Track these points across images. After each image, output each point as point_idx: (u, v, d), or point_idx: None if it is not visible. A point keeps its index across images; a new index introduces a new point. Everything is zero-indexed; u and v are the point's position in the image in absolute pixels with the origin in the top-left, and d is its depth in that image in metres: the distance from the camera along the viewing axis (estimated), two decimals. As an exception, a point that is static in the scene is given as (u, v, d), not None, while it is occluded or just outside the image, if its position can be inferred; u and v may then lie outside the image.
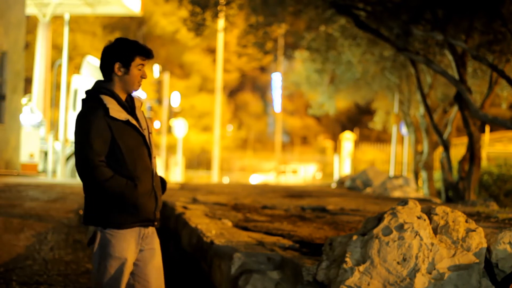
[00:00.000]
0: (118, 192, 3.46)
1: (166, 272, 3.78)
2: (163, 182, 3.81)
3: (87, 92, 3.63)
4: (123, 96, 3.64)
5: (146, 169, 3.59)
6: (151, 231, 3.72)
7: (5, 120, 17.33)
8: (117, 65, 3.57)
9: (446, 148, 13.87)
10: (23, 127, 19.08)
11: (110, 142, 3.48)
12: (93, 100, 3.55)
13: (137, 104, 3.72)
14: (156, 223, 3.69)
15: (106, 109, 3.48)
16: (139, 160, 3.55)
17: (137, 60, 3.60)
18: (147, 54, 3.61)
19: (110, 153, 3.50)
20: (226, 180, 38.17)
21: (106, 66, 3.61)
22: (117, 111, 3.51)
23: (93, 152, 3.43)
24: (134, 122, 3.57)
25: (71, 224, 8.94)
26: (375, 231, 4.24)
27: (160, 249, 3.79)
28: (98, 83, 3.65)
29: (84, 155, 3.45)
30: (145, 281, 3.66)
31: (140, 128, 3.60)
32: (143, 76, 3.64)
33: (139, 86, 3.66)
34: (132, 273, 3.64)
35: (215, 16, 13.74)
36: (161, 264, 3.78)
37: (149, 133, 3.70)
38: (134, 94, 3.74)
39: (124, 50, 3.58)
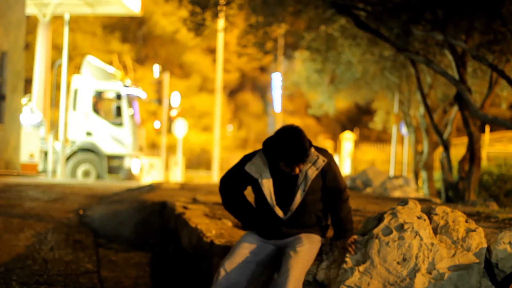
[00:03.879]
0: (232, 211, 4.65)
1: (166, 272, 3.77)
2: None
3: (264, 143, 4.37)
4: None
5: (264, 207, 4.41)
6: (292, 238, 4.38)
7: (5, 120, 17.32)
8: (282, 163, 4.23)
9: (446, 148, 13.86)
10: (23, 127, 19.07)
11: (246, 179, 4.41)
12: (262, 149, 4.39)
13: (314, 157, 4.30)
14: (271, 237, 4.44)
15: (248, 162, 4.38)
16: (259, 200, 4.45)
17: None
18: (291, 164, 4.19)
19: (248, 184, 4.49)
20: None
21: (272, 155, 4.29)
22: (255, 169, 4.36)
23: (226, 176, 4.55)
24: (264, 182, 4.33)
25: (71, 224, 8.94)
26: (375, 231, 4.24)
27: (304, 250, 4.28)
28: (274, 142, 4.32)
29: (224, 174, 4.58)
30: (281, 271, 4.24)
31: (268, 188, 4.33)
32: (295, 172, 4.24)
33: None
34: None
35: (215, 16, 13.71)
36: (300, 261, 4.22)
37: (292, 184, 4.31)
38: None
39: (283, 157, 4.18)
